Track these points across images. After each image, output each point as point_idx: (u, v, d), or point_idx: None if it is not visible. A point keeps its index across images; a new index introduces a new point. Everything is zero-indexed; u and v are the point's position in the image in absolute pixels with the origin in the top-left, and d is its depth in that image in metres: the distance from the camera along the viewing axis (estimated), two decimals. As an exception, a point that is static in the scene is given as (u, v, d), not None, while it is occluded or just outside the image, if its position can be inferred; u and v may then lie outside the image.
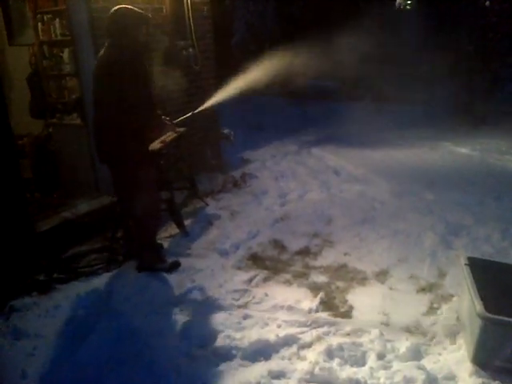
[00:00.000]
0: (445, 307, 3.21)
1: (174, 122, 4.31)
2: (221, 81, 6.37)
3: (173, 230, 4.44)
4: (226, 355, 2.77)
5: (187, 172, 5.02)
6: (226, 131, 5.76)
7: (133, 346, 2.89)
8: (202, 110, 4.89)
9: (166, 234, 4.39)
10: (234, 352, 2.78)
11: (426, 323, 3.06)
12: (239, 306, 3.27)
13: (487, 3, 6.58)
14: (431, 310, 3.22)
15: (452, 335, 2.89)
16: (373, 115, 8.98)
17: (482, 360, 2.53)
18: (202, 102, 5.87)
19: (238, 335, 2.90)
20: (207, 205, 4.99)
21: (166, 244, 4.18)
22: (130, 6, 3.39)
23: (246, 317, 3.13)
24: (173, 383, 2.60)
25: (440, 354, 2.76)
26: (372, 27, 9.55)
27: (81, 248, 4.15)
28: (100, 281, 3.62)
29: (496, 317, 2.38)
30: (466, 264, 2.87)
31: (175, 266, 3.73)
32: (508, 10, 7.77)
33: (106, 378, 2.65)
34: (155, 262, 3.72)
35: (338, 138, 7.65)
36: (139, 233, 3.77)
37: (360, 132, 7.96)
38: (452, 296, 3.33)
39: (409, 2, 9.00)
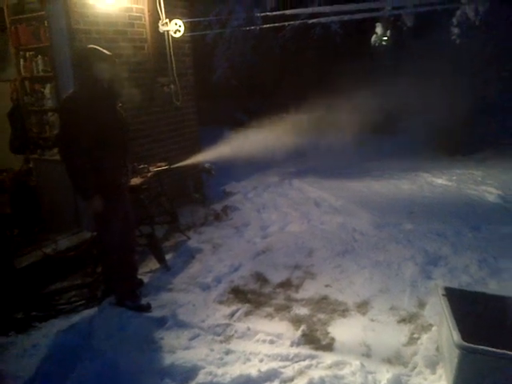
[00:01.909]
0: (425, 337, 3.24)
1: (148, 173, 4.44)
2: (201, 116, 6.51)
3: (154, 264, 4.42)
4: (208, 392, 2.75)
5: (168, 206, 5.04)
6: (207, 165, 5.82)
7: (113, 385, 2.85)
8: (179, 167, 5.04)
9: (147, 269, 4.37)
10: (215, 389, 2.77)
11: (406, 354, 3.09)
12: (221, 341, 3.26)
13: (457, 41, 6.86)
14: (412, 340, 3.25)
15: (432, 365, 2.92)
16: (353, 146, 9.16)
17: (462, 391, 2.56)
18: (183, 136, 5.98)
19: (219, 371, 2.89)
20: (189, 238, 5.00)
21: (146, 279, 4.16)
22: (94, 46, 3.46)
23: (228, 352, 3.12)
24: (154, 422, 2.57)
25: (421, 385, 2.78)
26: (348, 62, 9.90)
27: (61, 284, 4.11)
28: (80, 318, 3.58)
29: (473, 346, 2.42)
30: (443, 294, 2.92)
31: (144, 309, 3.67)
32: (477, 45, 8.10)
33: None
34: (125, 298, 3.69)
35: (318, 170, 7.77)
36: (106, 268, 3.79)
37: (340, 163, 8.12)
38: (432, 326, 3.37)
39: (384, 38, 9.32)
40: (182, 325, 3.46)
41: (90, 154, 3.29)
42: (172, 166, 4.93)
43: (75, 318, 3.57)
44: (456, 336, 2.48)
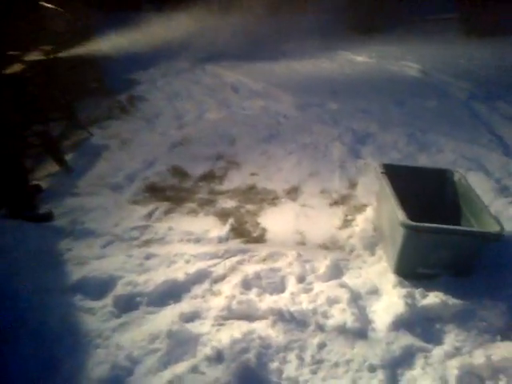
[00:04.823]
0: (360, 218, 3.07)
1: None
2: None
3: (53, 167, 3.77)
4: (129, 304, 2.38)
5: (63, 99, 4.27)
6: (104, 47, 4.97)
7: (14, 311, 2.38)
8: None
9: (45, 173, 3.72)
10: (138, 299, 2.41)
11: (342, 237, 2.92)
12: (140, 246, 2.86)
13: None
14: (346, 222, 3.08)
15: (371, 247, 2.77)
16: (268, 27, 8.50)
17: (405, 270, 2.42)
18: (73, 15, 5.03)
19: (140, 279, 2.52)
20: (92, 135, 4.32)
21: (45, 184, 3.54)
22: None
23: (148, 257, 2.73)
24: (69, 345, 2.18)
25: (361, 268, 2.63)
26: None
27: None
28: (-34, 236, 2.97)
29: (419, 224, 2.22)
30: (382, 172, 2.67)
31: (45, 218, 3.11)
32: None
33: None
34: (20, 209, 3.11)
35: (233, 53, 7.12)
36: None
37: (256, 45, 7.50)
38: (365, 206, 3.21)
39: None
40: (92, 232, 2.99)
41: None
42: (60, 52, 4.11)
43: (-41, 236, 2.95)
44: (401, 216, 2.26)
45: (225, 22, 9.05)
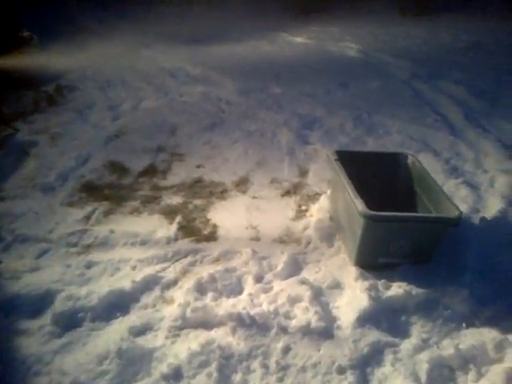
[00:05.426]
0: (314, 208, 2.96)
1: None
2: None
3: (-27, 169, 3.39)
4: (71, 321, 2.13)
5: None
6: (26, 34, 4.49)
7: None
8: None
9: (-36, 176, 3.34)
10: (80, 315, 2.16)
11: (297, 229, 2.80)
12: (79, 253, 2.59)
13: None
14: (300, 213, 2.96)
15: (328, 238, 2.66)
16: (204, 9, 8.21)
17: (366, 261, 2.33)
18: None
19: (82, 291, 2.26)
20: (17, 130, 3.93)
21: (-35, 188, 3.17)
22: None
23: (89, 265, 2.48)
24: (3, 374, 1.92)
25: (319, 261, 2.51)
26: None
27: None
28: None
29: (379, 213, 2.12)
30: (336, 160, 2.56)
31: None
32: None
33: None
34: None
35: (168, 36, 6.78)
36: None
37: (191, 28, 7.20)
38: (318, 194, 3.11)
39: None
40: (23, 240, 2.69)
41: None
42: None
43: None
44: (360, 206, 2.15)
45: (159, 4, 8.64)
